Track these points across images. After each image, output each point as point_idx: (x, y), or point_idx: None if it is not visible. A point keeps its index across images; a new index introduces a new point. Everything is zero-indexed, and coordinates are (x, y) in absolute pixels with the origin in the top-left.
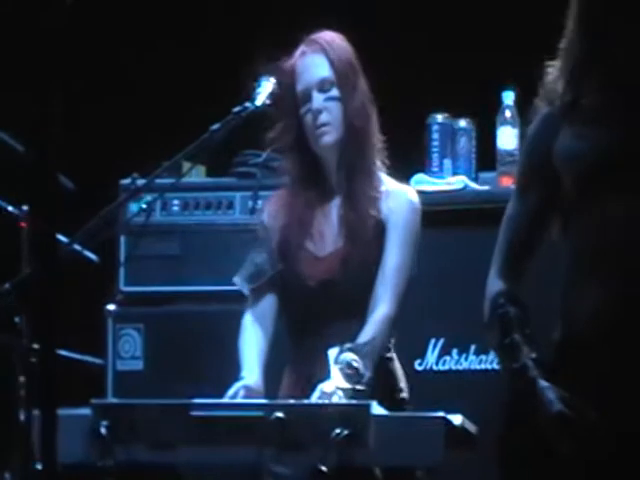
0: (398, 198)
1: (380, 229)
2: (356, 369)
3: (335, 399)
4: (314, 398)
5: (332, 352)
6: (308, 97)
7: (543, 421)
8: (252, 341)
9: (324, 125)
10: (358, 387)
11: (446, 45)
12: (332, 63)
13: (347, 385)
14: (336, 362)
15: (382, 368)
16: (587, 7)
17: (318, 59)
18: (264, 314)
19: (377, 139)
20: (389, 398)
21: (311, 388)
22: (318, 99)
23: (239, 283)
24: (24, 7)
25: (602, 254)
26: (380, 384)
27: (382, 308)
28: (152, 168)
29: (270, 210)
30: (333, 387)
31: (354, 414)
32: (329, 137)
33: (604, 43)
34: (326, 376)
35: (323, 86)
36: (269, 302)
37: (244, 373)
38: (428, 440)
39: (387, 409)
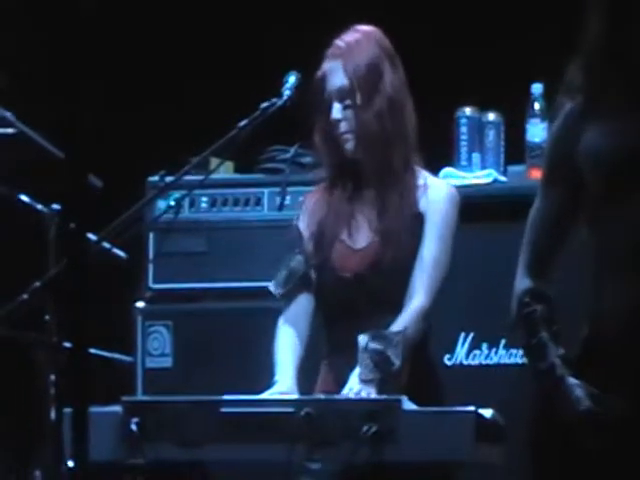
0: (437, 191)
1: (419, 223)
2: (387, 357)
3: (363, 394)
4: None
5: (362, 338)
6: (330, 105)
7: (572, 419)
8: (286, 345)
9: (343, 134)
10: (386, 376)
11: (475, 38)
12: (346, 71)
13: (374, 375)
14: (365, 349)
15: (420, 357)
16: None
17: (335, 66)
18: (298, 316)
19: (411, 135)
20: (429, 387)
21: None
22: (336, 109)
23: (273, 289)
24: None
25: (628, 251)
26: (419, 373)
27: (417, 299)
28: (180, 165)
29: (308, 205)
30: (359, 386)
31: (384, 409)
32: (350, 144)
33: (624, 35)
34: (355, 365)
35: (340, 95)
36: (303, 303)
37: (277, 377)
38: (459, 434)
39: (427, 400)
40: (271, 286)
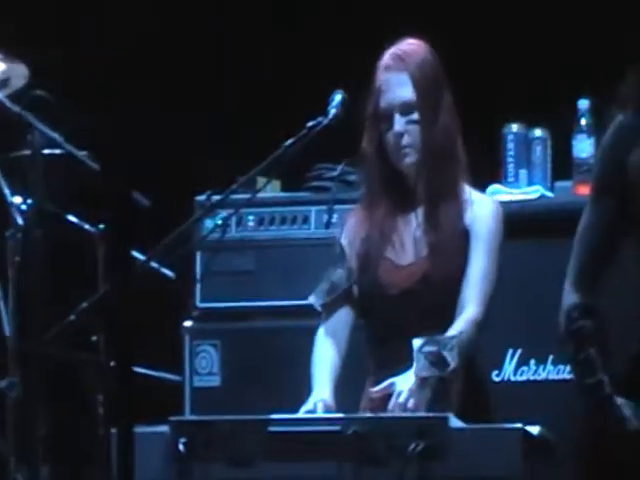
0: (482, 206)
1: (464, 238)
2: (442, 357)
3: (411, 402)
4: (392, 403)
5: (416, 342)
6: (390, 116)
7: (619, 437)
8: (324, 357)
9: (405, 147)
10: (442, 376)
11: (521, 54)
12: (415, 85)
13: (430, 373)
14: (420, 351)
15: (468, 374)
16: None
17: (402, 78)
18: (337, 329)
19: (461, 154)
20: (477, 404)
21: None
22: (400, 122)
23: (313, 300)
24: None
25: None
26: (467, 390)
27: (469, 310)
28: (227, 184)
29: (350, 223)
30: (407, 392)
31: (432, 427)
32: (410, 158)
33: None
34: (407, 368)
35: (405, 109)
36: (342, 316)
37: (315, 390)
38: (506, 451)
39: (475, 417)
40: (311, 298)
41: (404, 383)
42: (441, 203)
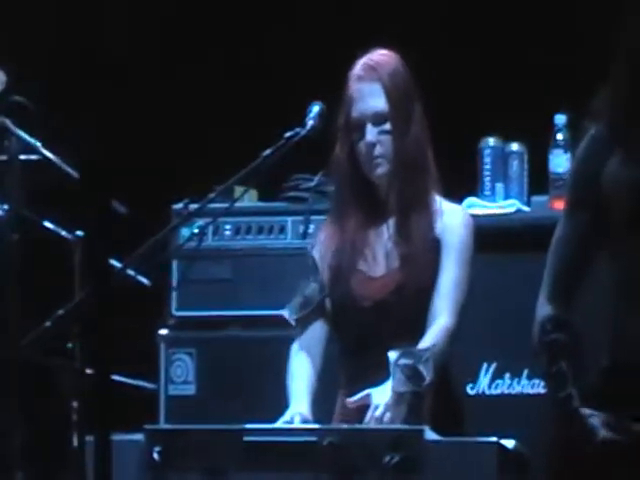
0: (452, 215)
1: (435, 248)
2: (418, 371)
3: (387, 416)
4: (368, 416)
5: (392, 354)
6: (362, 126)
7: (587, 449)
8: (300, 372)
9: (377, 158)
10: (418, 390)
11: (498, 68)
12: (388, 95)
13: (406, 388)
14: (397, 364)
15: (441, 387)
16: (637, 31)
17: (374, 89)
18: (311, 344)
19: (432, 165)
20: (449, 417)
21: (365, 412)
22: (372, 132)
23: (287, 315)
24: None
25: None
26: (440, 403)
27: (441, 319)
28: (204, 193)
29: (322, 236)
30: (382, 407)
31: (407, 439)
32: (382, 169)
33: None
34: (385, 380)
35: (377, 119)
36: (316, 330)
37: (292, 404)
38: (481, 465)
39: (447, 430)
40: (285, 312)
41: (381, 396)
42: (412, 214)
